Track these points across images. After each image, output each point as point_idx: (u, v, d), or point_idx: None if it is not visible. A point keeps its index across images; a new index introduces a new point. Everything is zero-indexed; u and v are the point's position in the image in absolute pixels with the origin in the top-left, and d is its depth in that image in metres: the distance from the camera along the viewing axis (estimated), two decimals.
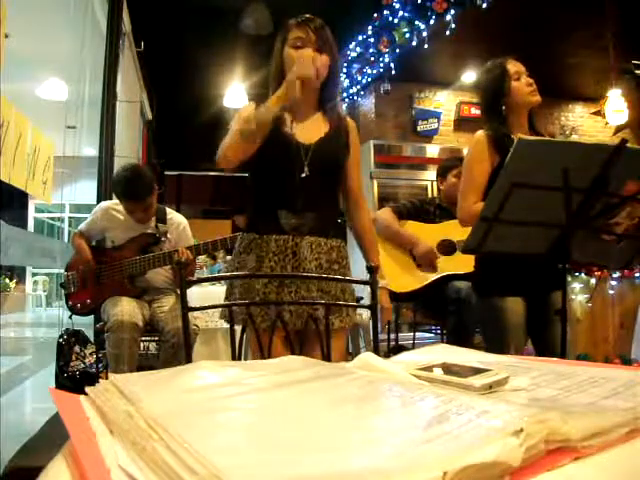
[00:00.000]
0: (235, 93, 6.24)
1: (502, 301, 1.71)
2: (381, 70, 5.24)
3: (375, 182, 5.36)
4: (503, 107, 1.76)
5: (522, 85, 1.74)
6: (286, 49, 1.47)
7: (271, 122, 1.39)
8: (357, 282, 1.48)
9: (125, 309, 2.26)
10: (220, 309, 1.48)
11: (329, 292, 1.46)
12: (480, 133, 1.76)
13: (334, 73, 1.49)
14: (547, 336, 1.71)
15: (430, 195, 5.34)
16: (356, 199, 1.60)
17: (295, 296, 1.42)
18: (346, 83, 5.93)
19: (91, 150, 4.18)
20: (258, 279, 1.42)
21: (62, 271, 2.62)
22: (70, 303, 2.56)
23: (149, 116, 6.80)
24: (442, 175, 2.82)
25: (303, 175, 1.44)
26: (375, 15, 4.94)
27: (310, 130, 1.49)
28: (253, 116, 1.37)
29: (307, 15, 1.49)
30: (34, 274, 10.47)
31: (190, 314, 1.16)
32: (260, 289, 1.42)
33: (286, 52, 1.47)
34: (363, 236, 1.62)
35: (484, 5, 3.83)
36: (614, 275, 3.38)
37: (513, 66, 1.77)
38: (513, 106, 1.76)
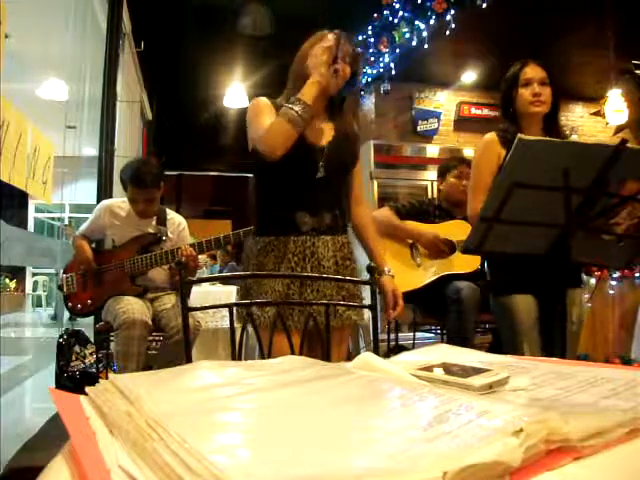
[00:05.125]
0: (235, 93, 6.24)
1: (512, 299, 1.72)
2: (381, 70, 5.24)
3: (375, 182, 5.35)
4: (512, 112, 1.80)
5: (527, 94, 1.75)
6: (314, 48, 1.47)
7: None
8: (357, 282, 1.48)
9: (135, 307, 2.28)
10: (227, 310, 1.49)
11: (344, 287, 1.49)
12: (490, 134, 1.80)
13: (350, 84, 1.50)
14: (557, 336, 1.70)
15: (430, 195, 5.34)
16: (357, 196, 1.63)
17: (318, 294, 1.43)
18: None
19: (91, 150, 4.17)
20: (276, 281, 1.42)
21: (61, 272, 2.62)
22: (70, 304, 2.56)
23: (149, 116, 6.80)
24: (442, 176, 2.82)
25: (319, 176, 1.46)
26: (375, 15, 4.94)
27: (320, 132, 1.51)
28: (302, 113, 1.38)
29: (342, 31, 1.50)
30: (34, 274, 10.46)
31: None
32: (283, 291, 1.42)
33: (313, 50, 1.47)
34: (366, 230, 1.64)
35: (484, 5, 3.83)
36: (614, 275, 3.38)
37: (529, 71, 1.77)
38: (521, 112, 1.78)
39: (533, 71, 1.76)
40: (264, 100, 1.50)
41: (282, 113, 1.39)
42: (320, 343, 1.30)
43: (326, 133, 1.53)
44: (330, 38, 1.47)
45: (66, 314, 2.65)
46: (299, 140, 1.42)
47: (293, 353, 1.18)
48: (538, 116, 1.77)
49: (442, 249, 2.55)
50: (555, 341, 1.71)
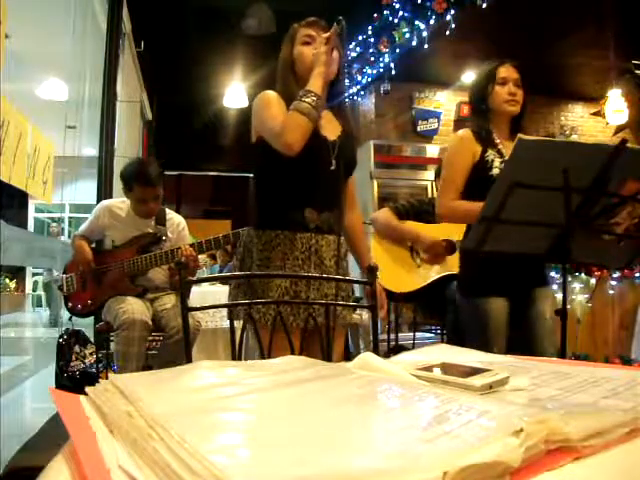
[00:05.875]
0: (235, 93, 6.24)
1: (483, 302, 1.70)
2: (381, 70, 5.23)
3: (375, 182, 5.35)
4: (485, 108, 1.79)
5: (503, 92, 1.75)
6: (297, 47, 1.50)
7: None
8: (357, 282, 1.49)
9: (136, 308, 2.28)
10: (227, 309, 1.48)
11: (341, 287, 1.50)
12: (465, 130, 1.78)
13: (341, 70, 1.52)
14: (528, 334, 1.71)
15: (430, 195, 5.34)
16: (351, 200, 1.63)
17: (318, 293, 1.44)
18: (346, 83, 5.92)
19: (91, 150, 4.18)
20: (282, 277, 1.42)
21: (58, 273, 2.61)
22: (70, 304, 2.56)
23: (149, 116, 6.81)
24: (439, 176, 2.82)
25: (332, 168, 1.46)
26: (375, 15, 4.94)
27: (328, 126, 1.51)
28: (315, 104, 1.37)
29: (313, 18, 1.51)
30: (34, 274, 10.45)
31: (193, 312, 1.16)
32: (290, 288, 1.42)
33: (297, 50, 1.50)
34: (356, 234, 1.65)
35: (484, 5, 3.83)
36: (614, 275, 3.37)
37: (504, 71, 1.77)
38: (494, 109, 1.78)
39: (508, 71, 1.77)
40: (272, 93, 1.48)
41: (295, 106, 1.37)
42: (318, 342, 1.30)
43: (334, 126, 1.53)
44: (313, 33, 1.48)
45: (66, 314, 2.64)
46: (316, 134, 1.41)
47: (293, 353, 1.18)
48: (509, 115, 1.77)
49: (440, 253, 2.54)
50: (527, 340, 1.71)
